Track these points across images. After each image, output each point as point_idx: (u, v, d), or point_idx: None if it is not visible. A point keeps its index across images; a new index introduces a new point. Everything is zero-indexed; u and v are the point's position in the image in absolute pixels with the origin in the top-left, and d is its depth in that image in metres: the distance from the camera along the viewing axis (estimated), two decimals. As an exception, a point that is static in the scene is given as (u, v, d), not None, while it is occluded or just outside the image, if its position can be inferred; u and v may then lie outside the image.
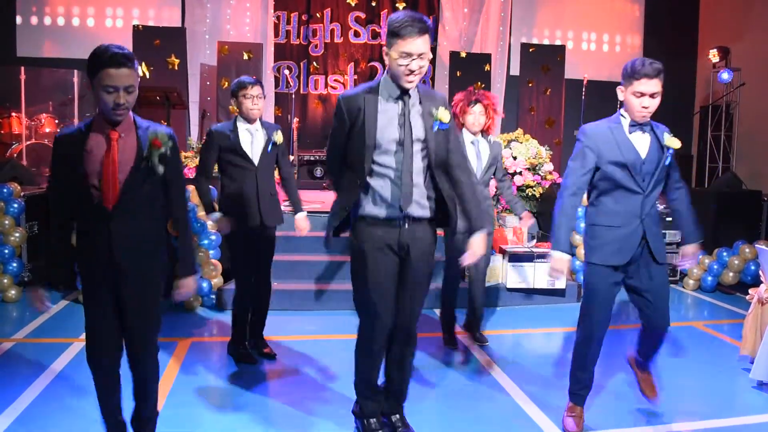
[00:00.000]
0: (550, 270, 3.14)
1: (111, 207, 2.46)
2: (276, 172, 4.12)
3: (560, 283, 5.64)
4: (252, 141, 3.91)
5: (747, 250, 6.10)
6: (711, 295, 6.29)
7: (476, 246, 2.91)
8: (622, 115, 3.09)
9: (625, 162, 3.00)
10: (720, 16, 10.44)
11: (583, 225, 3.37)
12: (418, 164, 2.77)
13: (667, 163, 3.07)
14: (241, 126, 3.91)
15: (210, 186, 4.03)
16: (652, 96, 2.96)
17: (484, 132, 4.42)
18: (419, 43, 2.61)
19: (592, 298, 3.13)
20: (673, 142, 3.06)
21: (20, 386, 3.60)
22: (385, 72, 2.77)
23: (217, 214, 3.93)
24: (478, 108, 4.30)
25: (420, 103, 2.78)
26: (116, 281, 2.53)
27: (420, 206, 2.80)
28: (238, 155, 3.88)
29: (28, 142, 8.07)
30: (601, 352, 3.24)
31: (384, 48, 2.72)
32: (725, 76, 9.30)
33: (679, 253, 3.32)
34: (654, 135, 3.07)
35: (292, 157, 7.68)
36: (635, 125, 3.04)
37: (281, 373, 4.01)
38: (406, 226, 2.80)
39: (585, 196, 3.19)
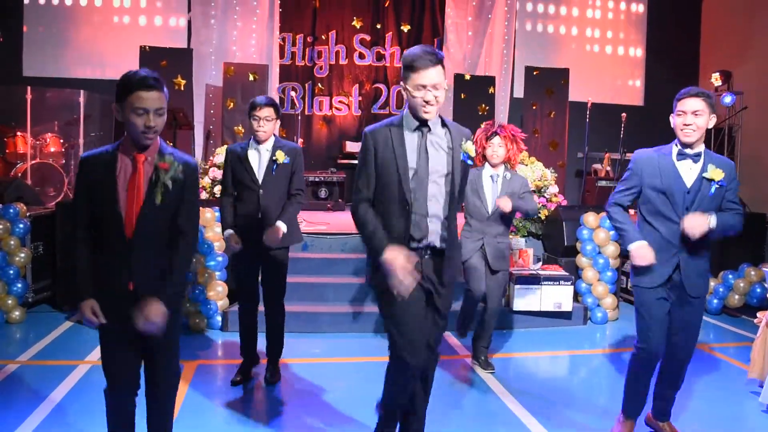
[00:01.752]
0: (638, 260, 3.13)
1: (130, 235, 2.45)
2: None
3: (566, 306, 5.62)
4: (259, 160, 3.93)
5: (753, 272, 6.08)
6: (716, 318, 6.26)
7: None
8: (675, 144, 3.17)
9: (664, 189, 3.08)
10: (722, 40, 10.53)
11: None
12: (436, 194, 2.77)
13: (710, 194, 3.08)
14: (252, 146, 3.94)
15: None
16: (694, 114, 3.03)
17: (508, 164, 4.45)
18: (433, 74, 2.66)
19: (644, 316, 3.20)
20: (715, 174, 3.08)
21: (25, 410, 3.57)
22: (405, 107, 2.82)
23: (228, 232, 3.92)
24: (496, 140, 4.35)
25: (449, 135, 2.81)
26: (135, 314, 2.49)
27: (438, 236, 2.79)
28: (244, 173, 3.91)
29: (33, 162, 8.09)
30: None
31: (401, 83, 2.76)
32: (728, 99, 9.34)
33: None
34: (704, 166, 3.10)
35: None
36: (683, 154, 3.10)
37: (290, 396, 3.98)
38: (426, 257, 2.79)
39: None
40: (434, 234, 2.77)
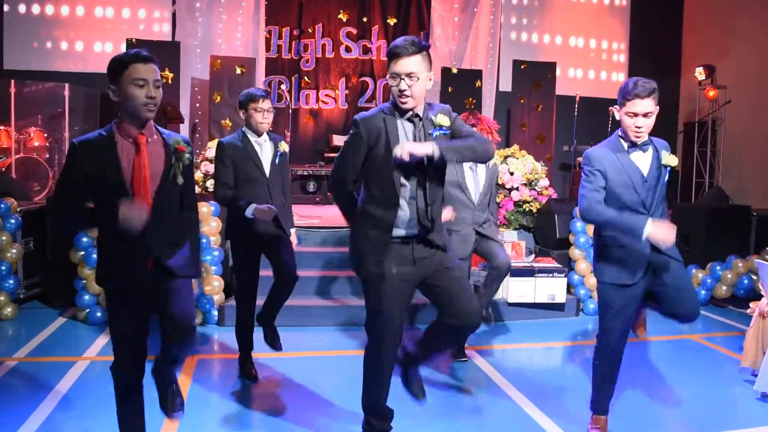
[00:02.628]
0: (666, 235, 2.91)
1: (147, 215, 2.44)
2: None
3: (560, 298, 5.70)
4: (261, 153, 3.91)
5: (740, 264, 6.21)
6: (704, 309, 6.36)
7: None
8: (620, 136, 3.15)
9: (630, 182, 3.07)
10: (704, 35, 10.68)
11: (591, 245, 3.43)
12: (432, 182, 2.79)
13: (665, 180, 3.14)
14: (251, 138, 3.91)
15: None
16: (645, 116, 3.02)
17: None
18: (407, 63, 2.67)
19: (607, 314, 3.18)
20: (671, 160, 3.13)
21: (27, 408, 3.52)
22: (392, 96, 2.82)
23: (252, 206, 3.74)
24: None
25: (432, 122, 2.81)
26: (153, 284, 2.51)
27: (432, 222, 2.81)
28: (252, 167, 3.85)
29: (17, 156, 7.96)
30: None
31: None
32: (711, 93, 9.50)
33: None
34: (655, 152, 3.13)
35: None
36: (634, 146, 3.11)
37: (289, 390, 3.99)
38: (418, 243, 2.81)
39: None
40: (431, 222, 2.80)
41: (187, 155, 2.58)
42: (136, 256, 2.48)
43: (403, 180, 2.75)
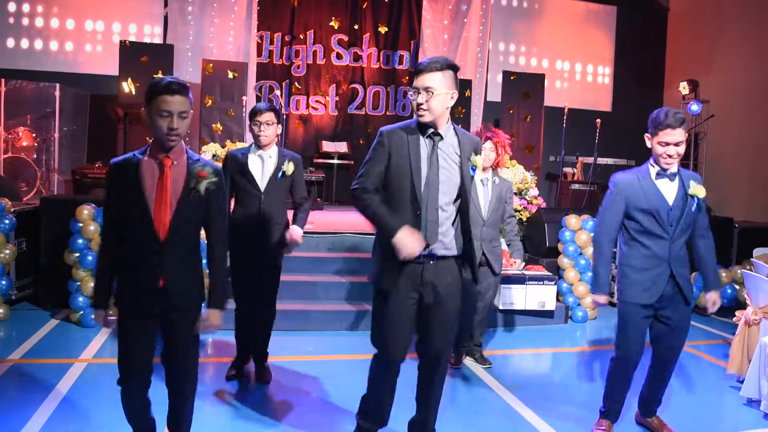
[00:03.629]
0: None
1: (163, 237, 2.53)
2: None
3: (550, 305, 5.80)
4: (262, 167, 3.94)
5: (723, 274, 6.37)
6: (688, 318, 6.53)
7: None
8: (650, 165, 3.32)
9: (650, 209, 3.23)
10: (688, 49, 10.93)
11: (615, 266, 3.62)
12: (445, 202, 2.84)
13: (693, 210, 3.28)
14: (254, 151, 3.96)
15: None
16: (676, 145, 3.19)
17: (494, 169, 4.56)
18: (424, 78, 2.76)
19: (626, 330, 3.37)
20: (699, 191, 3.27)
21: (29, 408, 3.53)
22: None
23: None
24: (488, 145, 4.45)
25: (459, 146, 2.88)
26: (162, 311, 2.59)
27: (444, 246, 2.86)
28: (245, 179, 3.92)
29: (5, 156, 7.91)
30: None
31: None
32: (695, 107, 9.72)
33: (707, 299, 3.50)
34: (681, 183, 3.28)
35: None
36: (661, 174, 3.27)
37: (284, 394, 4.02)
38: (431, 263, 2.86)
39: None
40: (440, 243, 2.84)
41: (206, 182, 2.59)
42: (148, 277, 2.56)
43: (419, 197, 2.80)
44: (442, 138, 2.84)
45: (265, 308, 4.13)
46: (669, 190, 3.27)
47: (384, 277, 2.87)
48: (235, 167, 3.94)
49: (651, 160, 3.33)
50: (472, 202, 4.41)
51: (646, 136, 3.29)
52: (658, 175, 3.28)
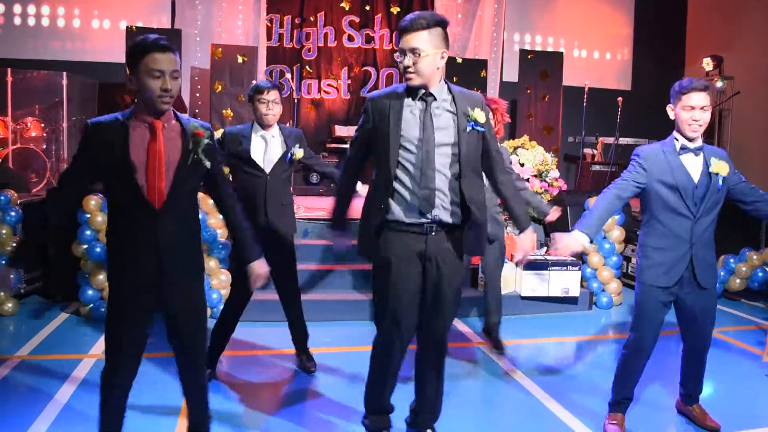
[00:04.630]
0: (562, 247, 3.06)
1: (159, 206, 2.33)
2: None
3: (574, 291, 5.60)
4: (266, 148, 3.76)
5: (755, 257, 6.13)
6: (717, 302, 6.30)
7: (524, 243, 2.94)
8: (675, 138, 3.11)
9: (676, 185, 3.02)
10: (709, 25, 10.58)
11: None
12: (442, 165, 2.67)
13: (719, 187, 3.05)
14: (256, 132, 3.77)
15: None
16: (702, 109, 2.99)
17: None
18: (409, 39, 2.57)
19: (642, 314, 3.17)
20: (721, 168, 3.04)
21: (37, 406, 3.41)
22: None
23: None
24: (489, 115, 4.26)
25: (454, 103, 2.69)
26: (159, 288, 2.40)
27: (446, 211, 2.70)
28: (247, 162, 3.73)
29: (14, 147, 7.78)
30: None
31: None
32: (719, 84, 9.39)
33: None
34: (705, 159, 3.07)
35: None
36: (685, 148, 3.05)
37: (301, 386, 3.89)
38: (433, 233, 2.70)
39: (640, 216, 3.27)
40: (441, 208, 2.68)
41: (206, 140, 2.43)
42: (143, 253, 2.36)
43: (405, 162, 2.66)
44: (435, 98, 2.65)
45: (289, 293, 3.98)
46: (694, 166, 3.06)
47: (385, 246, 2.71)
48: (234, 148, 3.73)
49: (675, 132, 3.11)
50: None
51: (669, 106, 3.09)
52: (683, 149, 3.05)
